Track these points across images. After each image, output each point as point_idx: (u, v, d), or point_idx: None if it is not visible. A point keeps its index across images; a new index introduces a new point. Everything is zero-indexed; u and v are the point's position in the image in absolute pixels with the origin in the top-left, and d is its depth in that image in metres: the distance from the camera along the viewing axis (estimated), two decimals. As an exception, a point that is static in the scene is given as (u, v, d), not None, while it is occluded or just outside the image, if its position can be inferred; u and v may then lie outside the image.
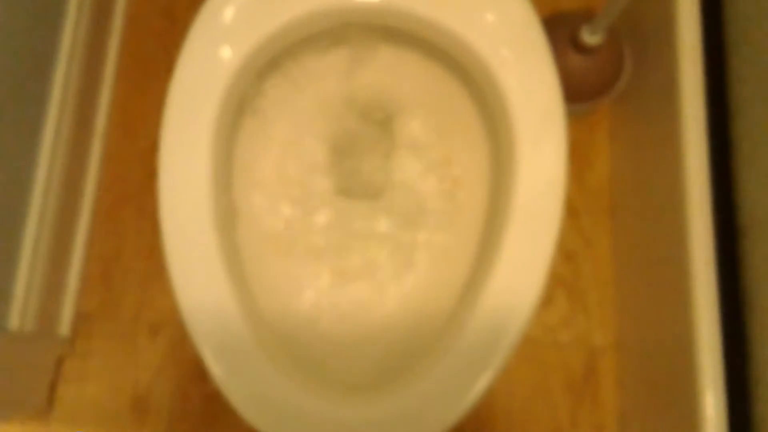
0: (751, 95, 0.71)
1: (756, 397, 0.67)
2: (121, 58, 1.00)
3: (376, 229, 0.69)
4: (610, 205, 0.96)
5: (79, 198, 0.93)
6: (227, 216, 0.60)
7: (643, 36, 0.88)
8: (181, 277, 0.54)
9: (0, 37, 0.73)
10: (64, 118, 0.86)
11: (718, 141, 0.74)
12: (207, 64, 0.58)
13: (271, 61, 0.61)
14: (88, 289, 0.93)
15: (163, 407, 0.90)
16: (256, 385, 0.52)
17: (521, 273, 0.53)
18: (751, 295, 0.68)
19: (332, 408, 0.51)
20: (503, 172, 0.57)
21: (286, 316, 0.63)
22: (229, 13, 0.58)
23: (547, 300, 0.94)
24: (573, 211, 0.96)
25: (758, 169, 0.69)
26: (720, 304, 0.70)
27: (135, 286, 0.93)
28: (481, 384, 0.52)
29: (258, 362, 0.52)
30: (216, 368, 0.53)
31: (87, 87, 0.91)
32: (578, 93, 0.90)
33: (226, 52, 0.58)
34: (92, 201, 0.94)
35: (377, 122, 0.71)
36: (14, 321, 0.79)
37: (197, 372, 0.91)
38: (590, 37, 0.83)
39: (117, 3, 1.00)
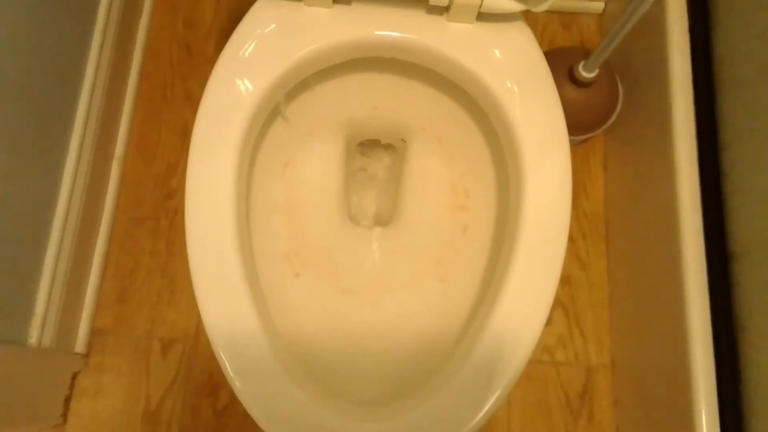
0: (742, 127, 0.75)
1: (749, 415, 0.70)
2: (140, 86, 1.05)
3: (387, 253, 0.73)
4: (605, 230, 1.01)
5: (97, 219, 0.97)
6: (246, 238, 0.63)
7: (635, 70, 0.93)
8: (204, 292, 0.58)
9: (31, 65, 0.78)
10: (86, 143, 0.90)
11: (710, 170, 0.78)
12: (230, 97, 0.61)
13: (290, 92, 0.66)
14: (104, 307, 0.96)
15: (174, 421, 0.93)
16: (276, 399, 0.54)
17: (529, 294, 0.57)
18: (743, 318, 0.71)
19: (349, 423, 0.54)
20: (510, 197, 0.61)
21: (301, 334, 0.66)
22: (250, 49, 0.62)
23: (545, 321, 0.97)
24: (569, 236, 0.99)
25: (749, 198, 0.73)
26: (713, 326, 0.74)
27: (148, 303, 0.97)
28: (492, 400, 0.54)
29: (277, 377, 0.55)
30: (237, 382, 0.55)
31: (107, 113, 0.96)
32: (575, 124, 0.95)
33: (248, 86, 0.61)
34: (109, 222, 0.98)
35: (390, 148, 0.75)
36: (33, 337, 0.83)
37: (207, 387, 0.94)
38: (586, 72, 0.88)
39: (137, 35, 1.05)
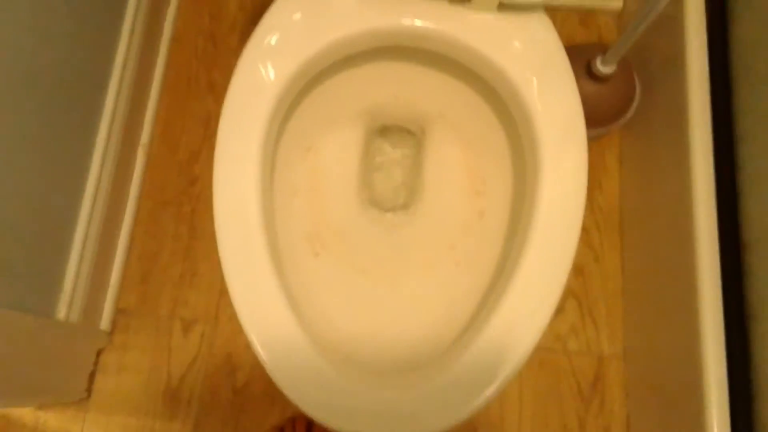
0: (757, 121, 0.76)
1: (759, 405, 0.71)
2: (165, 76, 1.08)
3: (404, 236, 0.75)
4: (619, 222, 1.02)
5: (123, 203, 1.00)
6: (270, 218, 0.66)
7: (653, 65, 0.95)
8: (231, 267, 0.60)
9: (65, 54, 0.81)
10: (114, 130, 0.93)
11: (724, 162, 0.80)
12: (255, 82, 0.64)
13: (313, 79, 0.68)
14: (128, 287, 1.00)
15: (194, 399, 0.95)
16: (298, 368, 0.56)
17: (541, 279, 0.58)
18: (755, 307, 0.73)
19: (367, 389, 0.56)
20: (527, 185, 0.63)
21: (321, 309, 0.68)
22: (274, 38, 0.64)
23: (558, 310, 0.99)
24: (584, 228, 1.02)
25: (763, 190, 0.74)
26: (725, 316, 0.75)
27: (170, 285, 1.00)
28: (503, 377, 0.56)
29: (299, 347, 0.57)
30: (262, 352, 0.57)
31: (134, 102, 0.99)
32: (592, 119, 0.96)
33: (272, 73, 0.64)
34: (135, 206, 1.01)
35: (409, 135, 0.77)
36: (62, 312, 0.86)
37: (227, 367, 0.97)
38: (603, 67, 0.89)
39: (164, 25, 1.08)
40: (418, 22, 0.63)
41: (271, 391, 0.96)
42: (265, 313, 0.58)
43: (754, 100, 0.77)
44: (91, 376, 0.96)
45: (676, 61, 0.85)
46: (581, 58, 0.92)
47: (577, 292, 1.00)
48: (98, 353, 0.97)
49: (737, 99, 0.79)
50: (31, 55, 0.73)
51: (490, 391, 0.56)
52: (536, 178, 0.61)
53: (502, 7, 0.63)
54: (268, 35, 0.64)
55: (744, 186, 0.77)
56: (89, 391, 0.96)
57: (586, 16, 1.08)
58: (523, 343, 0.58)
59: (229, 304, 0.82)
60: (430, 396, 0.56)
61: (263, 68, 0.64)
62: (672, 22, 0.88)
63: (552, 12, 1.06)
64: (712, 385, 0.73)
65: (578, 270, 1.01)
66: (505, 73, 0.63)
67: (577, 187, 0.60)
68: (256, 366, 0.97)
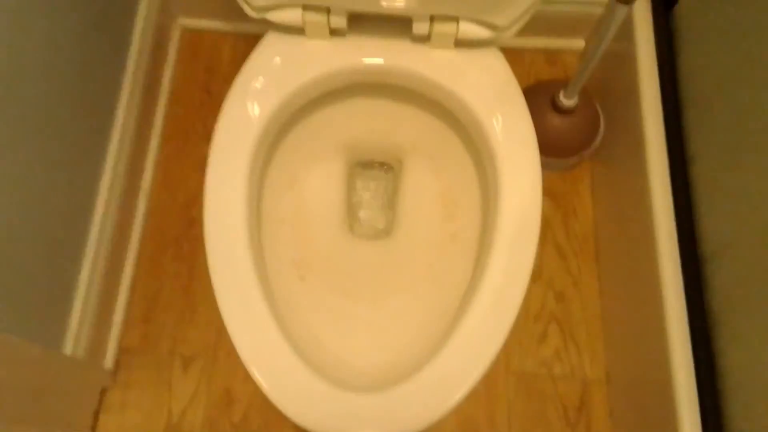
0: (704, 143, 0.83)
1: (726, 404, 0.75)
2: (165, 126, 1.16)
3: (384, 260, 0.81)
4: (594, 248, 1.07)
5: (126, 245, 1.06)
6: (257, 244, 0.72)
7: (614, 98, 1.02)
8: (223, 294, 0.65)
9: (72, 109, 0.89)
10: (117, 176, 1.00)
11: (681, 182, 0.85)
12: (240, 120, 0.71)
13: (294, 115, 0.75)
14: (131, 326, 1.05)
15: (194, 433, 0.99)
16: (290, 383, 0.62)
17: (509, 274, 0.64)
18: (716, 314, 0.77)
19: (349, 395, 0.61)
20: (491, 201, 0.69)
21: (307, 330, 0.73)
22: (259, 78, 0.72)
23: (541, 335, 1.04)
24: (562, 255, 1.07)
25: (713, 206, 0.80)
26: (690, 326, 0.79)
27: (171, 323, 1.05)
28: (475, 376, 0.61)
29: (291, 363, 0.62)
30: (253, 369, 0.63)
31: (136, 150, 1.06)
32: (561, 149, 1.04)
33: (255, 110, 0.71)
34: (137, 248, 1.08)
35: (386, 166, 0.83)
36: (68, 347, 0.91)
37: (225, 400, 1.00)
38: (566, 100, 0.97)
39: (163, 81, 1.17)
40: (384, 60, 0.71)
41: (268, 424, 0.99)
42: (260, 341, 0.63)
43: (700, 124, 0.84)
44: (96, 414, 1.00)
45: (632, 94, 0.93)
46: (547, 93, 1.00)
47: (559, 317, 1.04)
48: (102, 392, 1.01)
49: (687, 123, 0.86)
50: (40, 106, 0.81)
51: (464, 390, 0.61)
52: (497, 193, 0.67)
53: (458, 43, 0.70)
54: (251, 76, 0.71)
55: (697, 203, 0.82)
56: (93, 429, 0.99)
57: (552, 55, 1.17)
58: (486, 353, 0.62)
59: (227, 340, 0.86)
60: (406, 397, 0.60)
61: (247, 106, 0.71)
62: (627, 59, 0.95)
63: (520, 52, 1.15)
64: (684, 402, 0.76)
65: (559, 296, 1.05)
66: (465, 103, 0.70)
67: (534, 199, 0.66)
68: (254, 399, 1.01)
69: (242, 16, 0.75)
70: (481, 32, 0.69)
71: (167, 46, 1.19)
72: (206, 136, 1.16)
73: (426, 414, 0.60)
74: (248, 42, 0.74)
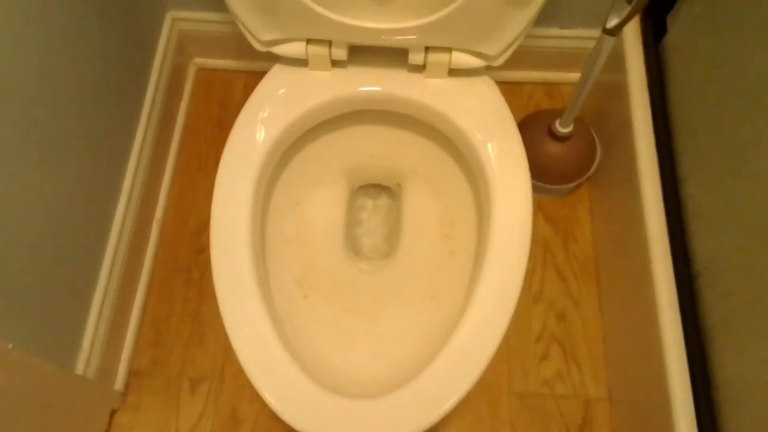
0: (693, 165, 0.86)
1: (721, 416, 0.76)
2: (178, 158, 1.21)
3: (385, 279, 0.84)
4: (594, 270, 1.10)
5: (138, 270, 1.10)
6: (262, 264, 0.75)
7: (609, 126, 1.06)
8: (228, 312, 0.68)
9: (90, 141, 0.94)
10: (132, 204, 1.05)
11: (673, 203, 0.88)
12: (247, 144, 0.75)
13: (298, 141, 0.79)
14: (141, 349, 1.08)
15: (201, 454, 1.01)
16: (294, 394, 0.64)
17: (501, 283, 0.67)
18: (709, 328, 0.79)
19: (348, 401, 0.63)
20: (484, 218, 0.72)
21: (311, 344, 0.76)
22: (264, 106, 0.76)
23: (543, 355, 1.05)
24: (562, 277, 1.10)
25: (702, 224, 0.83)
26: (686, 344, 0.81)
27: (180, 345, 1.08)
28: (468, 384, 0.63)
29: (293, 375, 0.65)
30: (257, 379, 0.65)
31: (150, 181, 1.11)
32: (559, 176, 1.07)
33: (260, 136, 0.75)
34: (149, 273, 1.11)
35: (387, 190, 0.87)
36: (80, 368, 0.94)
37: (231, 422, 1.02)
38: (562, 128, 1.01)
39: (178, 116, 1.22)
40: (381, 88, 0.75)
41: (274, 445, 1.01)
42: (264, 356, 0.66)
43: (689, 148, 0.87)
44: (106, 435, 1.02)
45: (626, 121, 0.96)
46: (544, 122, 1.03)
47: (560, 337, 1.06)
48: (112, 413, 1.03)
49: (677, 147, 0.89)
50: (63, 135, 0.86)
51: (457, 395, 0.63)
52: (489, 212, 0.70)
53: (452, 72, 0.75)
54: (257, 105, 0.76)
55: (688, 222, 0.85)
56: (103, 450, 1.01)
57: (551, 87, 1.21)
58: (477, 362, 0.65)
59: (234, 362, 0.89)
60: (402, 403, 0.63)
61: (253, 132, 0.75)
62: (620, 89, 0.99)
63: (520, 85, 1.20)
64: (680, 414, 0.78)
65: (560, 317, 1.07)
66: (459, 127, 0.74)
67: (525, 215, 0.69)
68: (260, 419, 1.03)
69: (252, 55, 0.80)
70: (473, 61, 0.73)
71: (183, 84, 1.25)
72: (217, 167, 1.20)
73: (422, 418, 0.62)
74: (258, 79, 0.78)
